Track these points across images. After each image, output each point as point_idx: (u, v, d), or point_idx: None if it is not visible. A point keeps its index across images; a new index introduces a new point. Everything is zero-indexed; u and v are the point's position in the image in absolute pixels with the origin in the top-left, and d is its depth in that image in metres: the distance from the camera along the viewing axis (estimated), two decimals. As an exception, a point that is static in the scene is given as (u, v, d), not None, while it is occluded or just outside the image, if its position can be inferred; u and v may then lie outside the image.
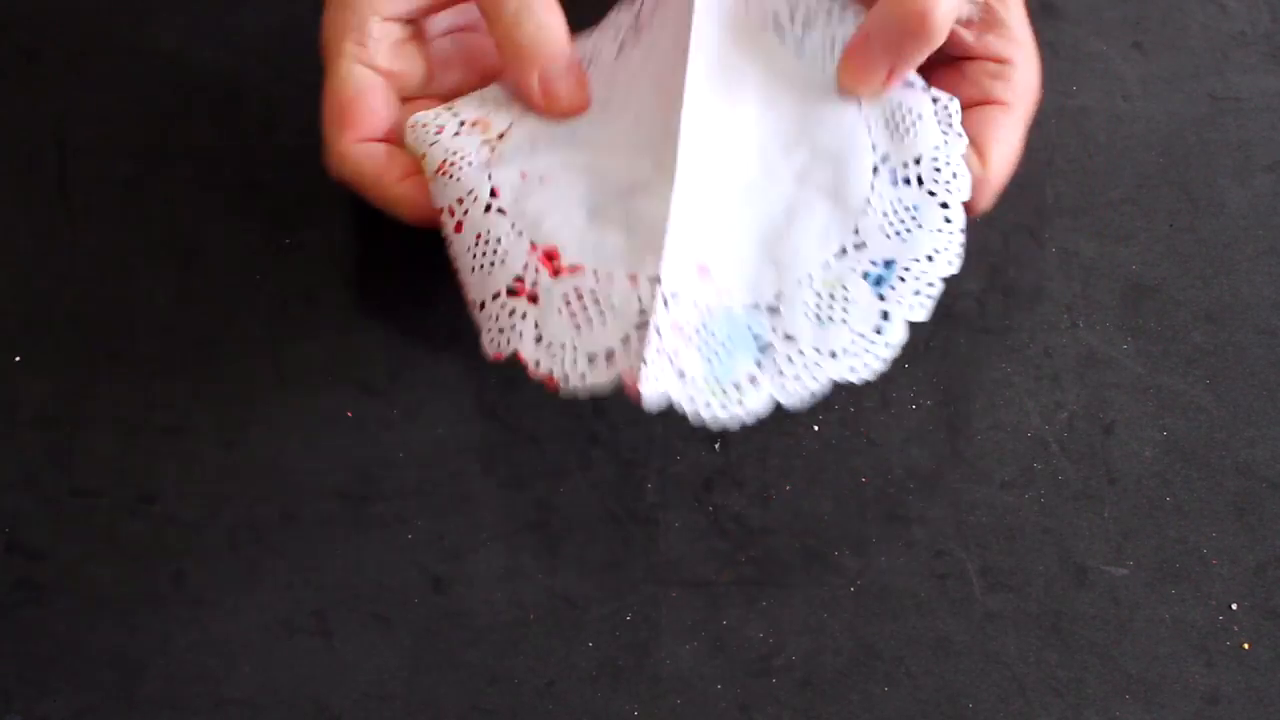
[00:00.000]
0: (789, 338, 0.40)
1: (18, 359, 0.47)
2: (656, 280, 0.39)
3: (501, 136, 0.43)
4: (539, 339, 0.39)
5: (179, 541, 0.44)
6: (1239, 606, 0.43)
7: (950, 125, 0.43)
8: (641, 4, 0.46)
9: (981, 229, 0.51)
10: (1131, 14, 0.57)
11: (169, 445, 0.46)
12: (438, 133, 0.44)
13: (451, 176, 0.42)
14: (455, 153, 0.43)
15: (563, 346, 0.39)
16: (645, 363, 0.38)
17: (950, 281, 0.49)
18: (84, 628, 0.43)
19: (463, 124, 0.44)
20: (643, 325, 0.39)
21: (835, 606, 0.43)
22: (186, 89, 0.54)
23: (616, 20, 0.47)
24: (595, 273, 0.40)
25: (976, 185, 0.43)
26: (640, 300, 0.39)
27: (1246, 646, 0.43)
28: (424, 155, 0.44)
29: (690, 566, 0.44)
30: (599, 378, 0.39)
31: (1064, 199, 0.52)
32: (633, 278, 0.40)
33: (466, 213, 0.42)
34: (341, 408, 0.46)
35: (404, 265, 0.49)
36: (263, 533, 0.44)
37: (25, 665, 0.42)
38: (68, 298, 0.49)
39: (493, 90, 0.46)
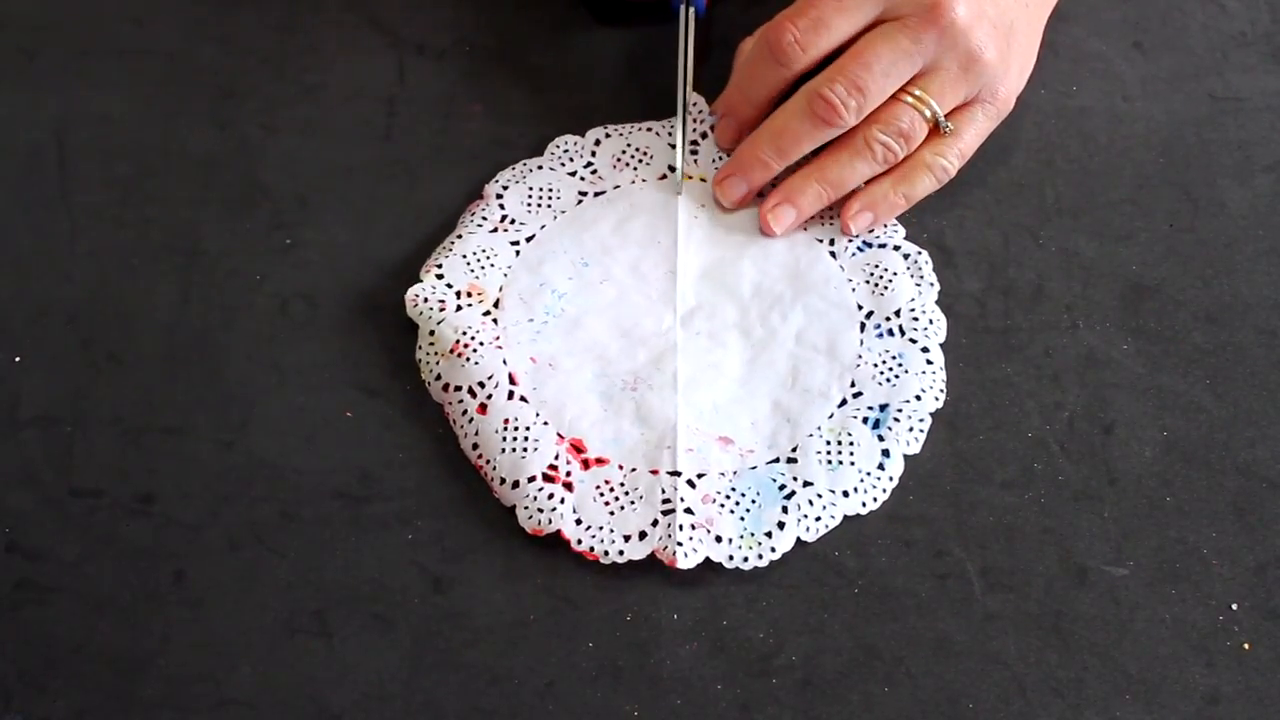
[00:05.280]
0: (807, 484, 0.45)
1: (18, 359, 0.47)
2: (676, 474, 0.45)
3: (498, 304, 0.48)
4: (578, 521, 0.44)
5: (179, 541, 0.44)
6: (1239, 606, 0.43)
7: (922, 277, 0.49)
8: (595, 145, 0.52)
9: (981, 229, 0.51)
10: (1131, 14, 0.57)
11: (169, 445, 0.46)
12: (440, 309, 0.48)
13: (468, 360, 0.46)
14: (464, 332, 0.47)
15: (600, 528, 0.44)
16: (679, 544, 0.43)
17: (950, 281, 0.49)
18: (84, 628, 0.43)
19: (459, 294, 0.48)
20: (669, 511, 0.44)
21: (835, 606, 0.43)
22: (186, 89, 0.54)
23: (560, 152, 0.52)
24: (620, 466, 0.45)
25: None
26: (663, 490, 0.45)
27: (1246, 646, 0.43)
28: (433, 333, 0.47)
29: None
30: (634, 553, 0.44)
31: (1064, 199, 0.52)
32: (654, 471, 0.45)
33: (490, 397, 0.46)
34: (341, 408, 0.46)
35: (404, 265, 0.49)
36: (263, 533, 0.44)
37: (25, 665, 0.42)
38: (68, 298, 0.49)
39: (472, 243, 0.49)
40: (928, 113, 0.47)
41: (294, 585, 0.43)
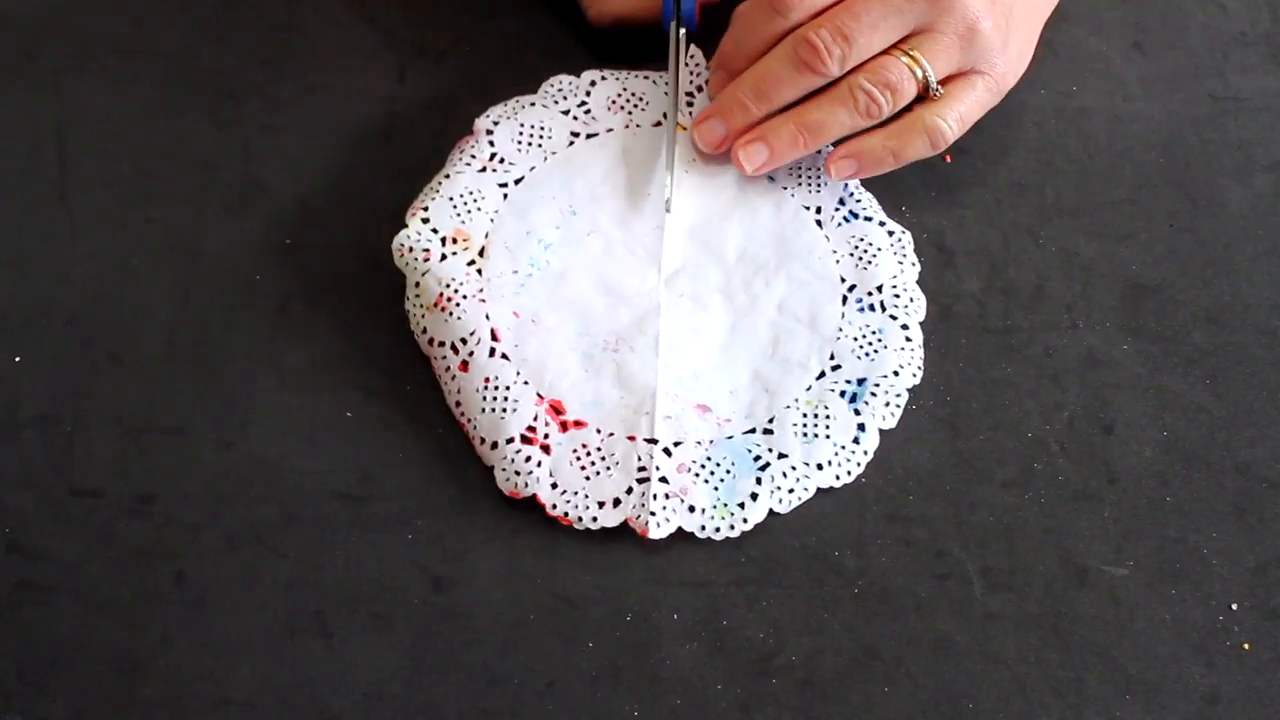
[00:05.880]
0: (782, 455, 0.45)
1: (18, 359, 0.47)
2: (652, 441, 0.45)
3: (482, 252, 0.48)
4: (554, 485, 0.44)
5: (179, 541, 0.44)
6: (1239, 606, 0.43)
7: (905, 255, 0.50)
8: (590, 85, 0.52)
9: (982, 229, 0.51)
10: (1131, 14, 0.57)
11: (169, 445, 0.46)
12: (425, 259, 0.47)
13: (451, 314, 0.46)
14: (449, 284, 0.47)
15: (575, 493, 0.44)
16: (652, 514, 0.43)
17: (950, 281, 0.50)
18: (84, 628, 0.43)
19: (444, 241, 0.48)
20: (644, 479, 0.44)
21: (835, 606, 0.43)
22: (186, 89, 0.54)
23: (554, 90, 0.52)
24: (598, 430, 0.45)
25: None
26: (639, 457, 0.44)
27: (1247, 646, 0.43)
28: (418, 284, 0.47)
29: (690, 566, 0.44)
30: (608, 520, 0.44)
31: (1064, 199, 0.52)
32: (631, 438, 0.45)
33: (472, 354, 0.46)
34: (341, 408, 0.46)
35: (404, 265, 0.49)
36: (263, 533, 0.44)
37: (25, 665, 0.42)
38: (68, 298, 0.49)
39: (460, 183, 0.49)
40: (919, 73, 0.47)
41: (294, 585, 0.43)
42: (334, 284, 0.49)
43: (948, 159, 0.52)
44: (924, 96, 0.48)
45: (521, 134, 0.50)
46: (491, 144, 0.50)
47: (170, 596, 0.43)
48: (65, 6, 0.56)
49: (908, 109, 0.48)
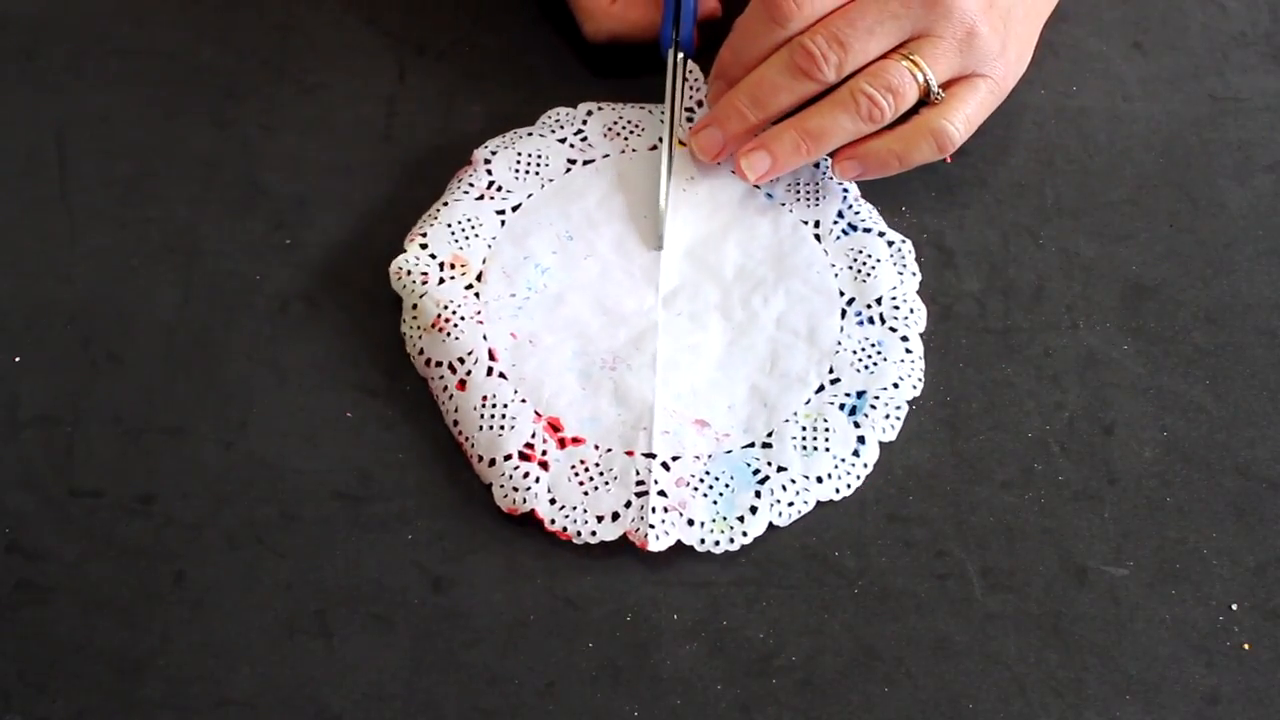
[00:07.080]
0: (781, 469, 0.45)
1: (18, 359, 0.47)
2: (651, 456, 0.45)
3: (480, 277, 0.48)
4: (553, 501, 0.44)
5: (179, 541, 0.44)
6: (1239, 606, 0.43)
7: (905, 266, 0.49)
8: (587, 116, 0.52)
9: (981, 229, 0.51)
10: (1131, 14, 0.57)
11: (169, 445, 0.46)
12: (423, 282, 0.47)
13: (449, 335, 0.46)
14: (446, 306, 0.47)
15: (574, 508, 0.44)
16: (651, 526, 0.43)
17: (950, 281, 0.50)
18: (84, 628, 0.43)
19: (442, 266, 0.48)
20: (643, 493, 0.44)
21: (835, 607, 0.43)
22: (186, 89, 0.54)
23: (551, 121, 0.52)
24: (596, 446, 0.45)
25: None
26: (638, 472, 0.45)
27: (1246, 647, 0.43)
28: (415, 306, 0.47)
29: (690, 567, 0.44)
30: (607, 534, 0.44)
31: (1064, 199, 0.52)
32: (629, 453, 0.45)
33: (469, 373, 0.46)
34: (341, 408, 0.46)
35: (404, 265, 0.49)
36: (263, 533, 0.44)
37: (25, 665, 0.42)
38: (68, 298, 0.49)
39: (457, 211, 0.49)
40: (920, 76, 0.47)
41: (294, 585, 0.43)
42: (334, 284, 0.49)
43: (948, 160, 0.52)
44: (925, 101, 0.48)
45: (519, 163, 0.51)
46: (489, 173, 0.50)
47: (170, 596, 0.43)
48: (65, 6, 0.56)
49: (912, 113, 0.48)
